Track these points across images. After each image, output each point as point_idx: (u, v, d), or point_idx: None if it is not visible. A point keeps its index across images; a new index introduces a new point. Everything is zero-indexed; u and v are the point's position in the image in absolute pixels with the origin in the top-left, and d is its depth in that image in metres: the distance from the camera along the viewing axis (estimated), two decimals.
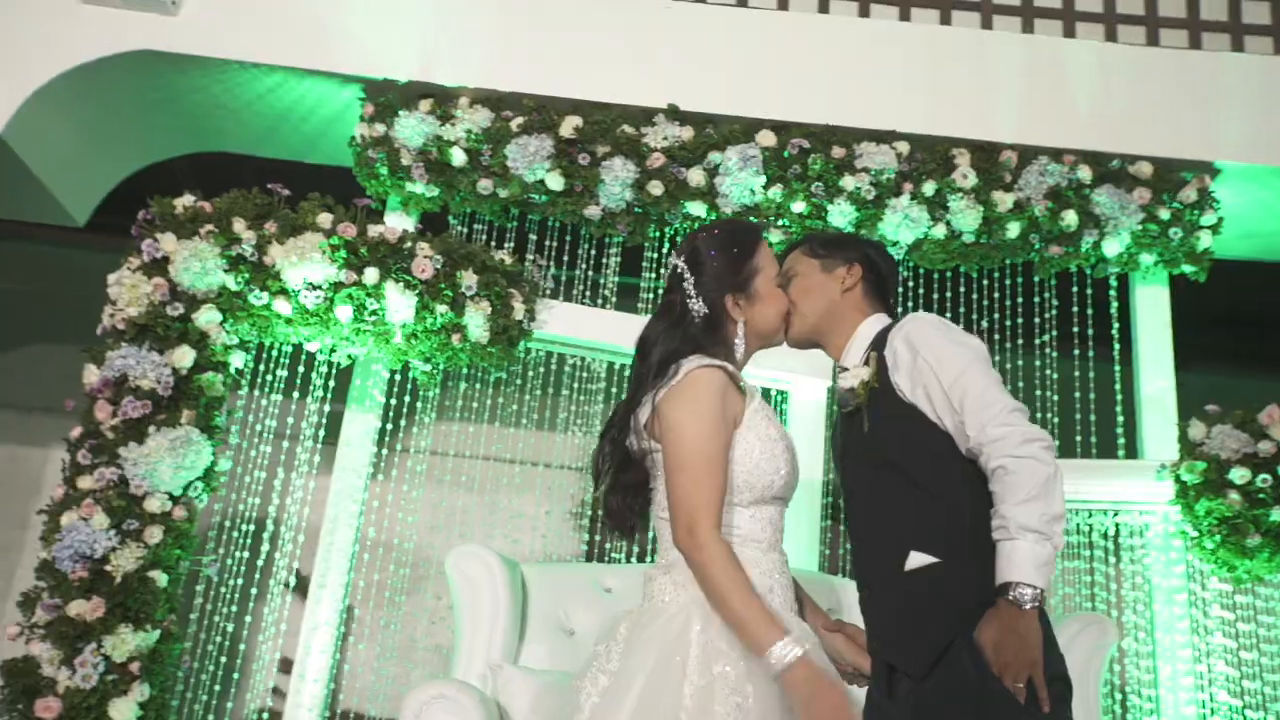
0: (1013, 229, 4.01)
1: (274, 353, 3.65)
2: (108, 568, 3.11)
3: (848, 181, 3.98)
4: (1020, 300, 4.18)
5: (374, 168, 4.03)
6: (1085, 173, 4.04)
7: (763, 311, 2.32)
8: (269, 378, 3.62)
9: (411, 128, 3.98)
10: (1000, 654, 1.97)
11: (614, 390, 3.96)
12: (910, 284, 4.23)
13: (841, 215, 4.00)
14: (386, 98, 4.08)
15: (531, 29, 4.20)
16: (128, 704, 3.06)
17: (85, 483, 3.18)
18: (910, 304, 4.19)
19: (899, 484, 2.19)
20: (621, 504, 2.30)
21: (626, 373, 3.05)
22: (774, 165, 3.99)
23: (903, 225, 4.00)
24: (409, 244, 3.50)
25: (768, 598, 2.13)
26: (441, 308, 3.45)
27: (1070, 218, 3.98)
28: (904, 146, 4.06)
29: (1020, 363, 4.14)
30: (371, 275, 3.41)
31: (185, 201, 3.42)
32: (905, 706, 2.12)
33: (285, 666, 3.59)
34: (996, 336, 4.15)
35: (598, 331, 3.78)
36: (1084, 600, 3.72)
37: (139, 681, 3.09)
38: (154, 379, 3.24)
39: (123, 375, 3.25)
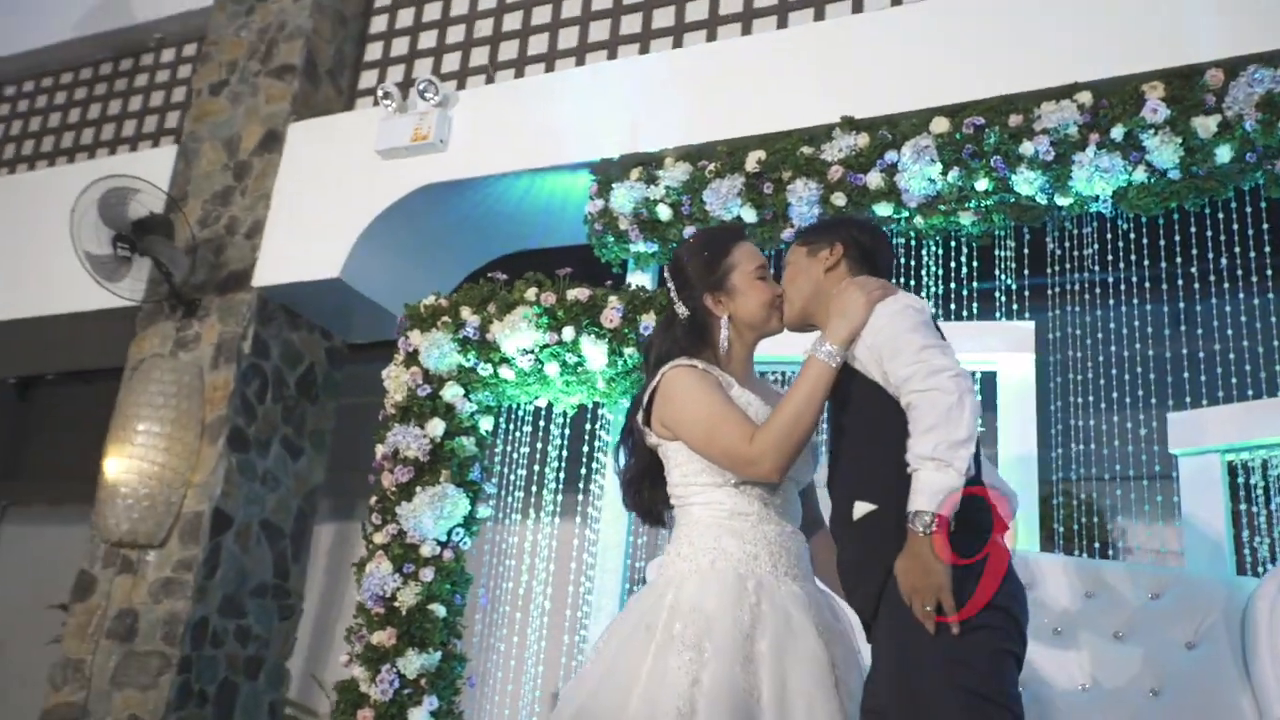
0: (1223, 153, 3.65)
1: (518, 413, 4.30)
2: (396, 603, 3.90)
3: (1026, 148, 3.87)
4: (1266, 227, 3.76)
5: (602, 238, 4.60)
6: None
7: (744, 304, 2.51)
8: (516, 434, 4.28)
9: (623, 195, 4.50)
10: (906, 580, 2.05)
11: None
12: (1131, 235, 3.95)
13: (1027, 184, 3.89)
14: (605, 174, 4.64)
15: (716, 80, 4.57)
16: (421, 713, 3.81)
17: (379, 538, 4.02)
18: (1133, 256, 3.92)
19: (851, 442, 2.32)
20: (637, 496, 2.59)
21: None
22: (948, 150, 3.99)
23: (1095, 177, 3.80)
24: (599, 300, 4.00)
25: (751, 564, 2.32)
26: (629, 350, 3.91)
27: None
28: (1086, 97, 3.86)
29: (1271, 296, 3.71)
30: (569, 333, 3.96)
31: (426, 302, 4.21)
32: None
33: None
34: (1240, 272, 3.76)
35: (784, 348, 3.98)
36: None
37: (427, 694, 3.82)
38: (416, 449, 4.02)
39: (395, 449, 4.06)
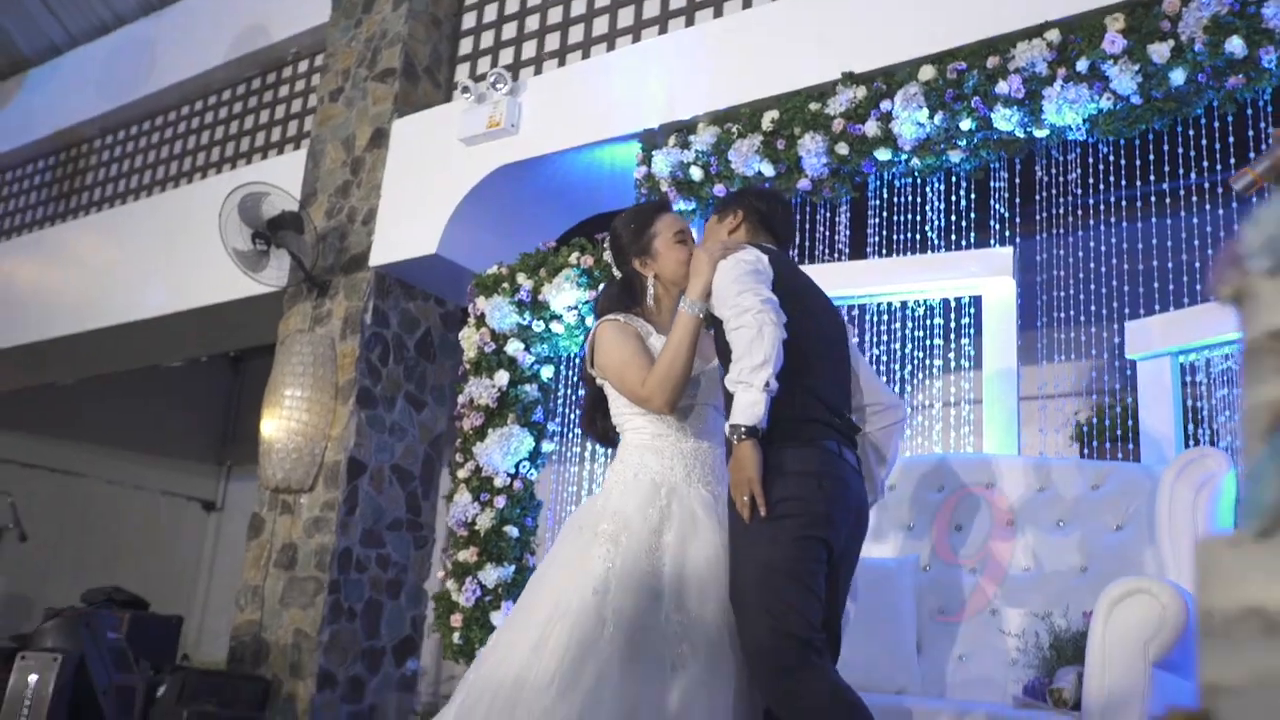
0: (1176, 76, 3.89)
1: (576, 361, 4.95)
2: (476, 527, 4.65)
3: (1001, 87, 4.20)
4: (1232, 140, 3.97)
5: (649, 200, 5.15)
6: None
7: (665, 264, 3.07)
8: (576, 380, 4.93)
9: (661, 160, 5.05)
10: (731, 477, 2.59)
11: None
12: (1110, 159, 4.22)
13: (1005, 121, 4.22)
14: (650, 142, 5.20)
15: (739, 48, 5.04)
16: (499, 616, 4.55)
17: (461, 474, 4.78)
18: (1112, 177, 4.19)
19: (726, 376, 2.85)
20: (592, 425, 3.21)
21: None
22: (933, 96, 4.35)
23: (1064, 109, 4.09)
24: None
25: (667, 474, 2.91)
26: None
27: (1234, 43, 3.75)
28: (1054, 35, 4.14)
29: (1235, 205, 3.93)
30: None
31: (490, 271, 4.91)
32: None
33: None
34: (1206, 187, 3.99)
35: None
36: None
37: (505, 600, 4.57)
38: (486, 397, 4.75)
39: (470, 398, 4.80)
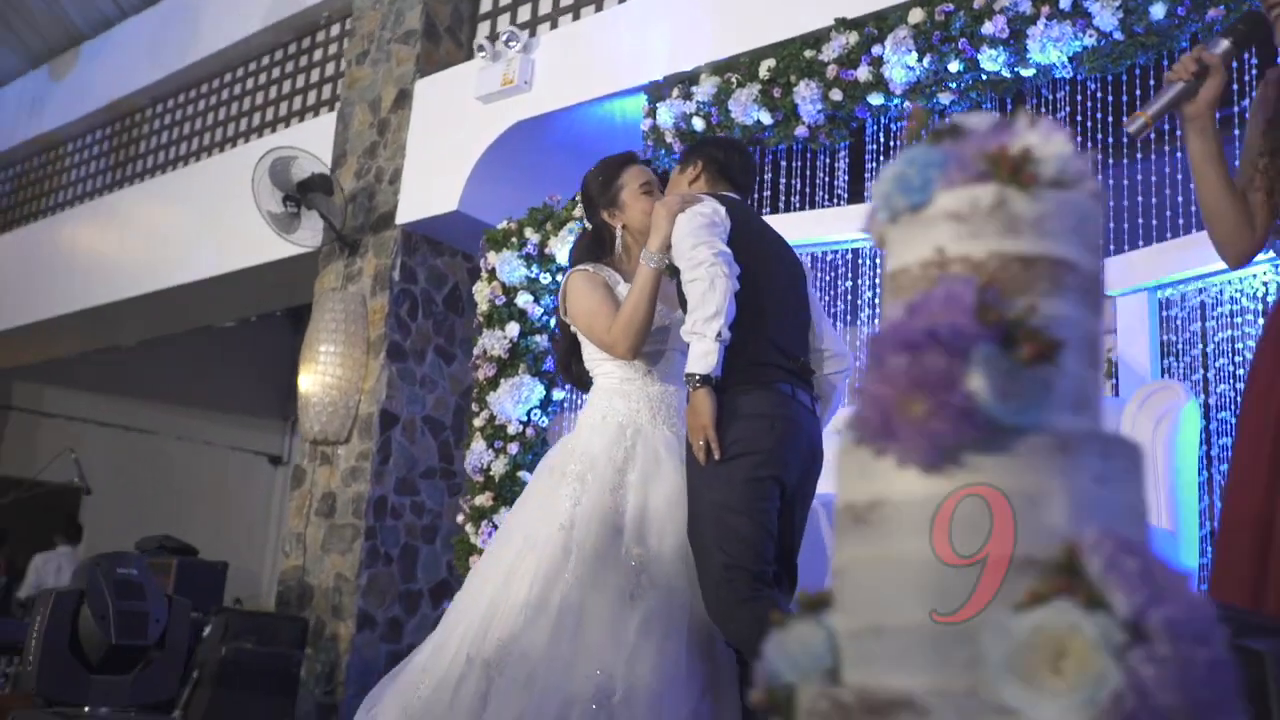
0: (1157, 10, 3.89)
1: None
2: (491, 473, 4.86)
3: (987, 27, 4.22)
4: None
5: (655, 152, 5.27)
6: None
7: (631, 214, 3.22)
8: None
9: (665, 112, 5.15)
10: (687, 422, 2.75)
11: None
12: (1097, 93, 4.23)
13: (992, 61, 4.24)
14: (656, 95, 5.30)
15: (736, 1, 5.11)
16: None
17: (477, 422, 4.99)
18: (1099, 115, 4.20)
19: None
20: (568, 370, 3.37)
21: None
22: (922, 39, 4.39)
23: (1049, 47, 4.11)
24: None
25: (634, 416, 3.07)
26: None
27: None
28: None
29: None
30: None
31: (500, 226, 5.08)
32: None
33: None
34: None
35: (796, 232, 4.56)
36: None
37: None
38: (499, 348, 4.94)
39: (484, 350, 5.00)
